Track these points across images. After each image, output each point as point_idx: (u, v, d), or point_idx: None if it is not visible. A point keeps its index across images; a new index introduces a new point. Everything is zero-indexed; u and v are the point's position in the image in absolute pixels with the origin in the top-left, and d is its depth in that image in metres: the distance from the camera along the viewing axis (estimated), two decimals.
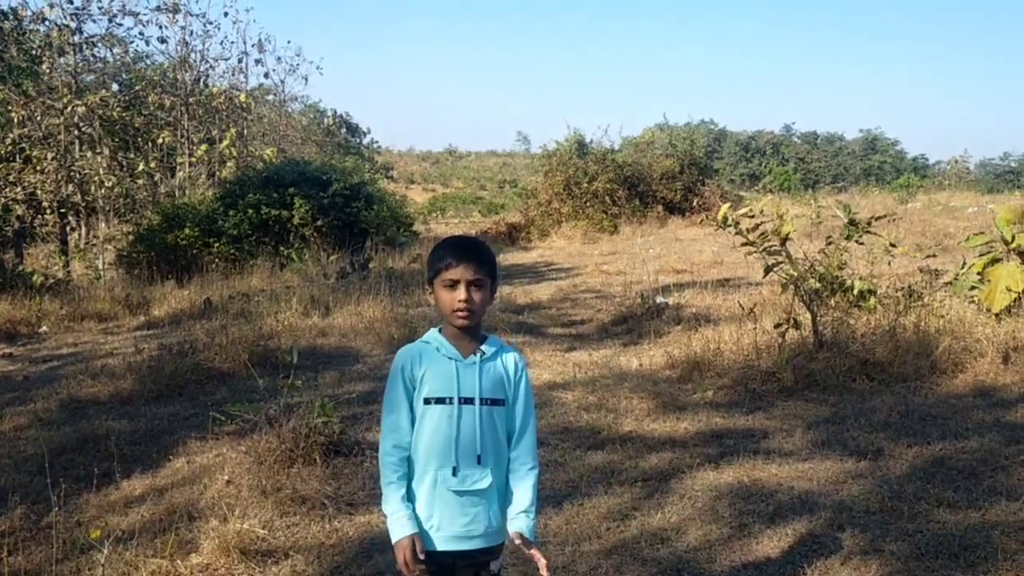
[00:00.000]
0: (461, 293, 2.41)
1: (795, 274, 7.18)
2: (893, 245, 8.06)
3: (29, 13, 18.14)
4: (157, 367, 7.47)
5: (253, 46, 24.51)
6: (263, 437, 5.22)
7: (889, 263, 8.73)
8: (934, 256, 8.67)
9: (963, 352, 6.92)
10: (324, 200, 16.54)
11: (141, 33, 25.42)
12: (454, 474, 2.43)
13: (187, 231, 16.21)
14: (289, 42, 67.95)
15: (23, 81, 16.75)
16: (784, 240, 7.09)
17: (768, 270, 7.20)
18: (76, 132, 18.75)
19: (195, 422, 6.23)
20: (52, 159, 17.95)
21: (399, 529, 2.38)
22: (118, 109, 20.11)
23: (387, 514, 2.43)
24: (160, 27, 21.13)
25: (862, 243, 7.69)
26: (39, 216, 19.03)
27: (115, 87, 22.73)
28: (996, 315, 7.55)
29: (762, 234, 7.03)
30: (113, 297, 12.53)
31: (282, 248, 15.88)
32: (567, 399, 6.65)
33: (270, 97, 29.78)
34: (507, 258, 17.88)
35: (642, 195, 23.62)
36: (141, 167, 20.09)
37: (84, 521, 4.51)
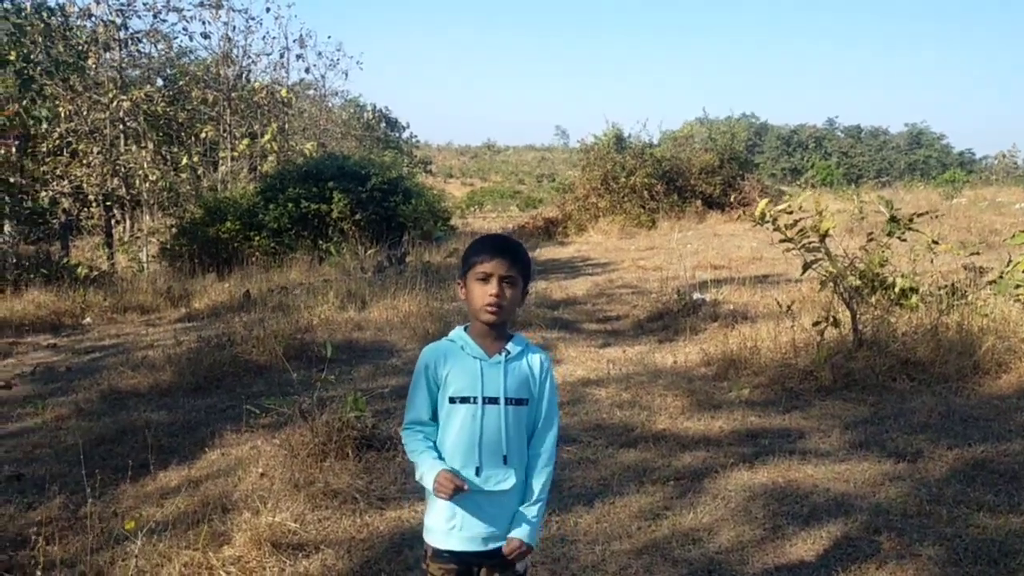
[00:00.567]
0: (493, 287, 2.41)
1: (834, 271, 7.06)
2: (936, 242, 7.89)
3: (76, 9, 18.49)
4: (196, 359, 7.58)
5: (294, 41, 24.83)
6: (297, 430, 5.27)
7: (932, 260, 8.55)
8: (979, 253, 8.47)
9: (1007, 352, 6.75)
10: (362, 194, 16.64)
11: (185, 29, 25.69)
12: (477, 474, 2.42)
13: (228, 225, 16.42)
14: (330, 37, 68.96)
15: (70, 76, 17.05)
16: (823, 236, 6.97)
17: (807, 267, 7.09)
18: (121, 126, 19.07)
19: (231, 414, 6.30)
20: (98, 153, 18.28)
21: (431, 468, 2.40)
22: (162, 104, 20.43)
23: (418, 467, 2.45)
24: (203, 23, 21.47)
25: (904, 240, 7.53)
26: (85, 209, 19.42)
27: (159, 82, 23.10)
28: None
29: (801, 230, 6.91)
30: (155, 289, 12.73)
31: (321, 242, 16.02)
32: (600, 396, 6.62)
33: (311, 92, 30.00)
34: (543, 253, 17.84)
35: (680, 190, 23.42)
36: (184, 161, 20.39)
37: (120, 511, 4.58)
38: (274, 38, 52.41)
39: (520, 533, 2.45)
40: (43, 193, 17.17)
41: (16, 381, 7.73)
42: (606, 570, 3.83)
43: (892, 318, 7.29)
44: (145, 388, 7.13)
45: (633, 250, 17.20)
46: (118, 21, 19.03)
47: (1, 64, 13.40)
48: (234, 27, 22.33)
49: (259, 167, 21.98)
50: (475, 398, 2.42)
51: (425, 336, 8.56)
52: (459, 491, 2.33)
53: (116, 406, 6.75)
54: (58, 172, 17.82)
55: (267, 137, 21.57)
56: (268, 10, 36.94)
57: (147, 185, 19.17)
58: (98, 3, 18.44)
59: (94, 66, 18.77)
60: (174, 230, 18.21)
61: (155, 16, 19.63)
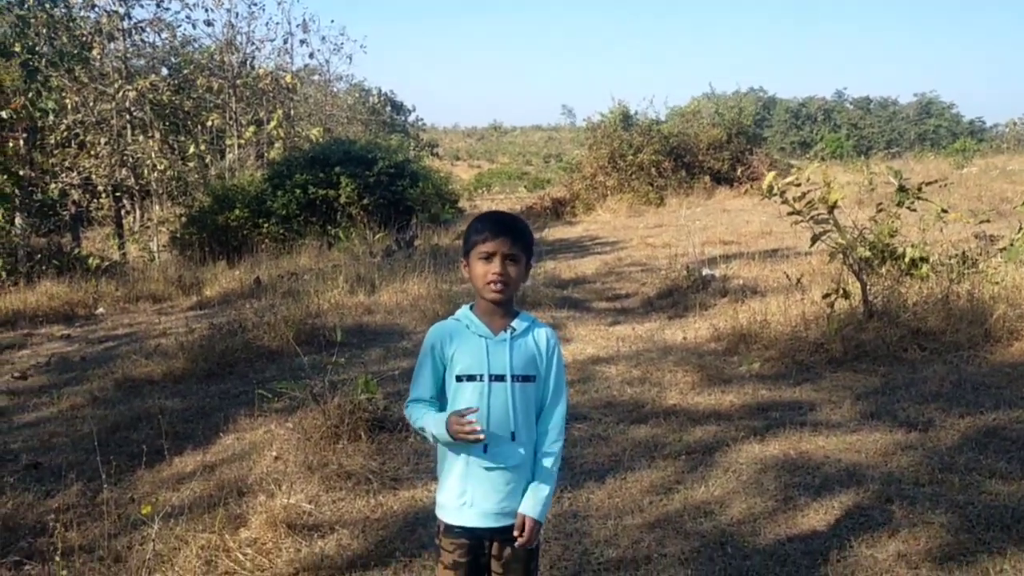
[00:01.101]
0: (496, 265, 2.41)
1: (844, 243, 7.04)
2: (945, 211, 7.85)
3: (79, 0, 18.47)
4: (208, 346, 7.62)
5: (298, 26, 24.91)
6: (309, 414, 5.32)
7: (942, 230, 8.51)
8: (989, 221, 8.43)
9: (1018, 319, 6.72)
10: (370, 179, 16.63)
11: (188, 17, 25.62)
12: (485, 451, 2.43)
13: (237, 212, 16.46)
14: (333, 21, 68.68)
15: (75, 67, 17.08)
16: (832, 208, 6.94)
17: (815, 239, 7.06)
18: (128, 117, 19.12)
19: (244, 400, 6.35)
20: (105, 144, 18.34)
21: (438, 420, 2.39)
22: (168, 93, 20.45)
23: (427, 428, 2.44)
24: (206, 10, 21.40)
25: (914, 210, 7.50)
26: (94, 200, 19.51)
27: (164, 71, 23.12)
28: None
29: (809, 203, 6.89)
30: (166, 278, 12.78)
31: (329, 227, 16.04)
32: (610, 373, 6.63)
33: (315, 77, 29.97)
34: (552, 233, 17.82)
35: (688, 166, 23.29)
36: (192, 150, 20.43)
37: (137, 497, 4.63)
38: (277, 24, 52.71)
39: (529, 510, 2.46)
40: (53, 185, 17.26)
41: (31, 372, 7.80)
42: (618, 544, 3.85)
43: (902, 288, 7.27)
44: (159, 376, 7.18)
45: (642, 228, 17.15)
46: (121, 11, 19.05)
47: (6, 56, 13.40)
48: (237, 14, 22.38)
49: (266, 154, 22.00)
50: (481, 376, 2.43)
51: (435, 318, 8.53)
52: (470, 427, 2.31)
53: (130, 394, 6.80)
54: (67, 164, 17.89)
55: (273, 124, 21.57)
56: None
57: (155, 175, 19.24)
58: None
59: (99, 57, 18.80)
60: (183, 219, 18.28)
61: (158, 5, 19.73)
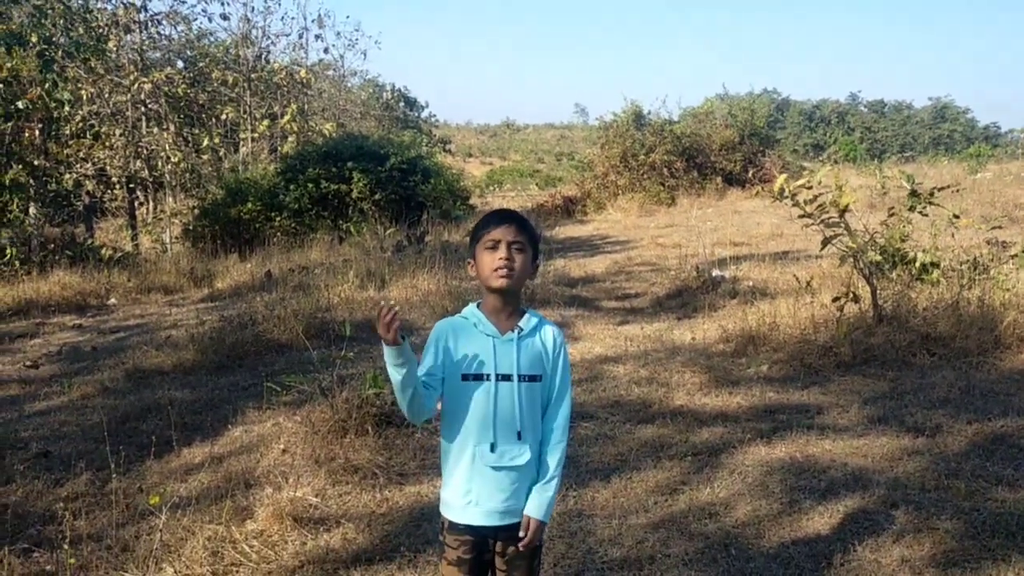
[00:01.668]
0: (502, 252, 2.42)
1: (854, 246, 7.02)
2: (957, 216, 7.81)
3: None
4: (218, 338, 7.67)
5: (313, 21, 24.89)
6: (317, 408, 5.35)
7: (954, 235, 8.48)
8: (1001, 228, 8.39)
9: None
10: (382, 174, 16.66)
11: (204, 10, 25.84)
12: (492, 450, 2.44)
13: (250, 205, 16.51)
14: (348, 17, 68.60)
15: (90, 59, 17.16)
16: (843, 211, 6.92)
17: (826, 242, 7.05)
18: (143, 109, 19.18)
19: (253, 392, 6.38)
20: (120, 135, 18.42)
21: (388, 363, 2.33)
22: (183, 86, 20.51)
23: (388, 367, 2.34)
24: (222, 4, 21.63)
25: (926, 215, 7.47)
26: (108, 191, 19.59)
27: (180, 64, 23.19)
28: None
29: (820, 206, 6.87)
30: (178, 270, 12.86)
31: (341, 222, 16.08)
32: (618, 372, 6.63)
33: (330, 72, 30.03)
34: (562, 231, 17.82)
35: (700, 167, 23.24)
36: (206, 143, 20.49)
37: (145, 487, 4.67)
38: (292, 18, 52.77)
39: (534, 511, 2.47)
40: (67, 176, 17.34)
41: (43, 360, 7.86)
42: (623, 544, 3.86)
43: (913, 293, 7.25)
44: (169, 367, 7.22)
45: (652, 228, 17.14)
46: (138, 3, 19.10)
47: (22, 46, 13.48)
48: (253, 8, 22.56)
49: (279, 148, 22.06)
50: (488, 375, 2.43)
51: (444, 314, 8.54)
52: (383, 309, 2.25)
53: (140, 385, 6.85)
54: (81, 154, 17.95)
55: (287, 118, 21.61)
56: None
57: (169, 167, 19.30)
58: None
59: (115, 49, 18.86)
60: (196, 211, 18.33)
61: None
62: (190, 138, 20.98)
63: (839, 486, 4.39)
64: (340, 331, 7.71)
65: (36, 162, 14.44)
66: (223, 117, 21.69)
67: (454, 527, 2.50)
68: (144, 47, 19.85)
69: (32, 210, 14.68)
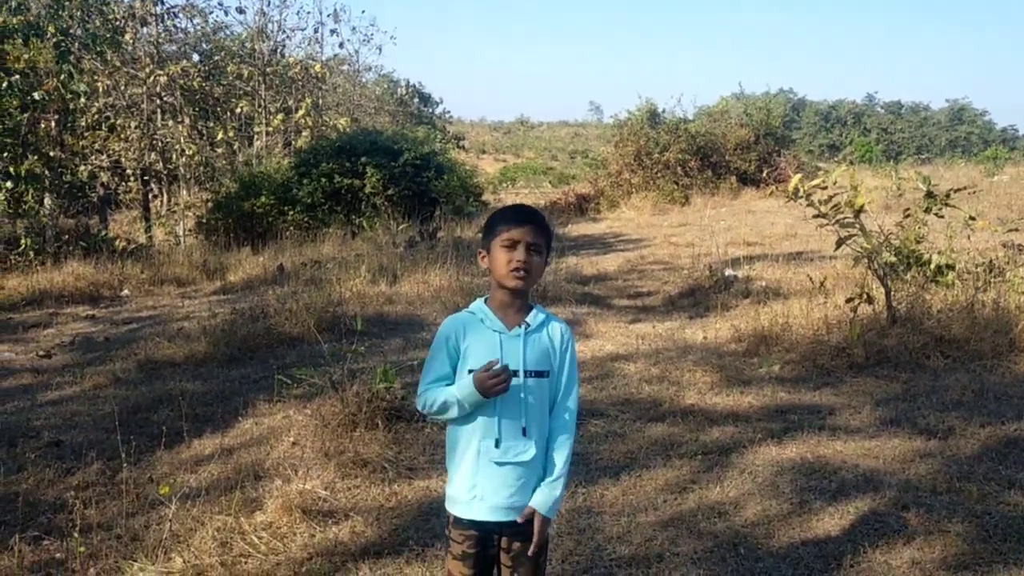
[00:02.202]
0: (520, 254, 2.40)
1: (869, 247, 6.97)
2: (973, 218, 7.75)
3: None
4: (230, 331, 7.69)
5: (328, 16, 24.97)
6: (328, 401, 5.35)
7: (969, 237, 8.41)
8: (1017, 230, 8.30)
9: None
10: (395, 169, 16.69)
11: (220, 3, 25.91)
12: (496, 446, 2.43)
13: (263, 199, 16.58)
14: (364, 12, 68.67)
15: (106, 51, 17.25)
16: (858, 212, 6.88)
17: (840, 243, 7.00)
18: (158, 101, 19.28)
19: (264, 385, 6.39)
20: (136, 128, 18.52)
21: (461, 386, 2.40)
22: (198, 79, 20.61)
23: (449, 401, 2.41)
24: None
25: (942, 216, 7.42)
26: (123, 183, 19.71)
27: (195, 57, 23.29)
28: None
29: (835, 206, 6.83)
30: (191, 262, 12.91)
31: (353, 216, 16.13)
32: (629, 371, 6.62)
33: (344, 67, 30.08)
34: (575, 229, 17.80)
35: (715, 166, 23.18)
36: (220, 136, 20.58)
37: (155, 477, 4.68)
38: (308, 13, 53.00)
39: (540, 505, 2.45)
40: (82, 167, 17.44)
41: (56, 350, 7.91)
42: (631, 541, 3.85)
43: (927, 295, 7.20)
44: (180, 358, 7.25)
45: (665, 226, 17.09)
46: None
47: (39, 37, 13.55)
48: (269, 2, 22.46)
49: (293, 142, 22.13)
50: None
51: (455, 310, 8.53)
52: (501, 375, 2.32)
53: (152, 375, 6.88)
54: (97, 146, 18.07)
55: (301, 112, 21.68)
56: None
57: (183, 159, 19.40)
58: None
59: (131, 41, 18.96)
60: (210, 204, 18.42)
61: None
62: (205, 131, 21.07)
63: (850, 487, 4.37)
64: (352, 325, 7.73)
65: (52, 153, 14.53)
66: (238, 111, 21.78)
67: (459, 522, 2.50)
68: (160, 40, 19.95)
69: (47, 201, 14.77)
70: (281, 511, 4.07)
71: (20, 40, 13.35)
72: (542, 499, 2.45)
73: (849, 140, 71.52)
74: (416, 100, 44.95)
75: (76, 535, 3.61)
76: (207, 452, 5.10)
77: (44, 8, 15.08)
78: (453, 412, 2.41)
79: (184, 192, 20.82)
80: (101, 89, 17.78)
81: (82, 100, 15.41)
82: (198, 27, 23.05)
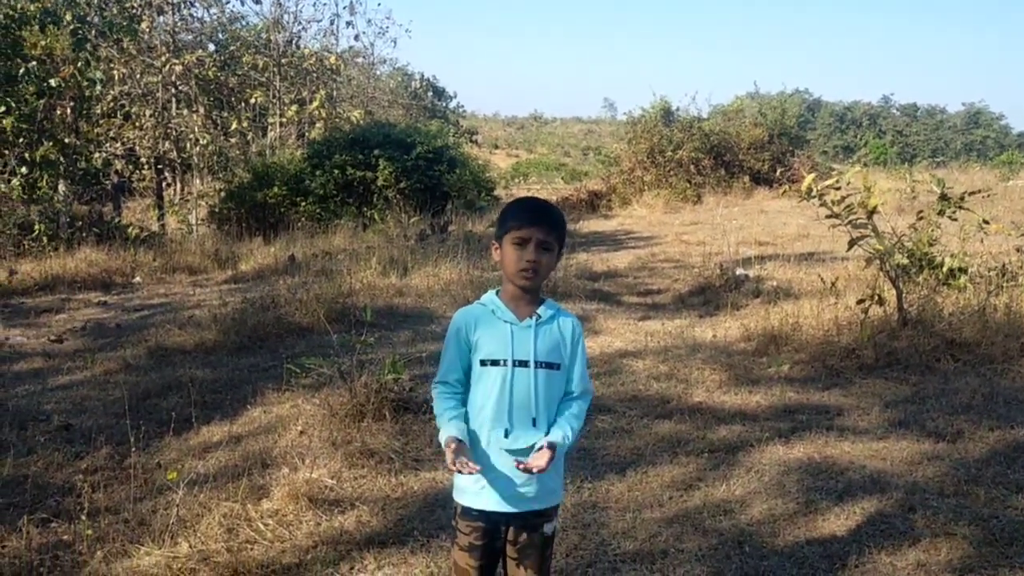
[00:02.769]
0: (530, 253, 2.41)
1: (881, 248, 6.94)
2: (987, 222, 7.70)
3: None
4: (240, 320, 7.72)
5: (344, 8, 25.04)
6: (336, 391, 5.36)
7: (982, 241, 8.37)
8: None
9: None
10: (408, 163, 16.70)
11: None
12: (506, 436, 2.44)
13: (276, 190, 16.61)
14: (379, 4, 68.49)
15: (123, 39, 17.30)
16: (871, 213, 6.85)
17: (852, 243, 6.97)
18: (173, 90, 19.31)
19: (273, 373, 6.42)
20: (150, 116, 18.56)
21: (444, 432, 2.45)
22: (213, 69, 20.63)
23: (439, 431, 2.49)
24: None
25: (955, 219, 7.37)
26: (137, 171, 19.76)
27: (211, 47, 23.33)
28: None
29: (848, 206, 6.80)
30: (203, 251, 12.96)
31: (365, 209, 16.15)
32: (638, 367, 6.61)
33: (359, 59, 30.10)
34: (587, 225, 17.77)
35: (728, 165, 23.11)
36: (234, 126, 20.62)
37: (163, 463, 4.71)
38: (324, 4, 52.99)
39: (551, 436, 2.42)
40: (97, 154, 17.48)
41: (67, 336, 7.95)
42: (636, 537, 3.85)
43: (939, 298, 7.17)
44: (191, 346, 7.28)
45: (677, 224, 17.06)
46: None
47: (56, 24, 13.62)
48: None
49: (307, 133, 22.16)
50: (505, 360, 2.43)
51: (465, 304, 8.52)
52: (464, 470, 2.31)
53: (162, 362, 6.91)
54: (111, 134, 18.12)
55: (315, 104, 21.69)
56: None
57: (197, 149, 19.42)
58: None
59: (147, 30, 19.00)
60: (223, 194, 18.46)
61: None
62: (219, 121, 21.12)
63: (857, 488, 4.35)
64: (361, 317, 7.75)
65: (67, 140, 14.57)
66: (252, 101, 21.82)
67: (467, 512, 2.50)
68: (176, 29, 19.98)
69: (61, 187, 14.82)
70: (288, 499, 4.09)
71: (37, 27, 13.41)
72: (555, 430, 2.45)
73: (864, 142, 71.20)
74: (430, 94, 45.01)
75: (84, 518, 3.63)
76: (215, 439, 5.12)
77: None
78: (439, 435, 2.49)
79: (197, 181, 20.88)
80: (117, 77, 17.82)
81: (98, 88, 15.45)
82: (214, 17, 23.09)
